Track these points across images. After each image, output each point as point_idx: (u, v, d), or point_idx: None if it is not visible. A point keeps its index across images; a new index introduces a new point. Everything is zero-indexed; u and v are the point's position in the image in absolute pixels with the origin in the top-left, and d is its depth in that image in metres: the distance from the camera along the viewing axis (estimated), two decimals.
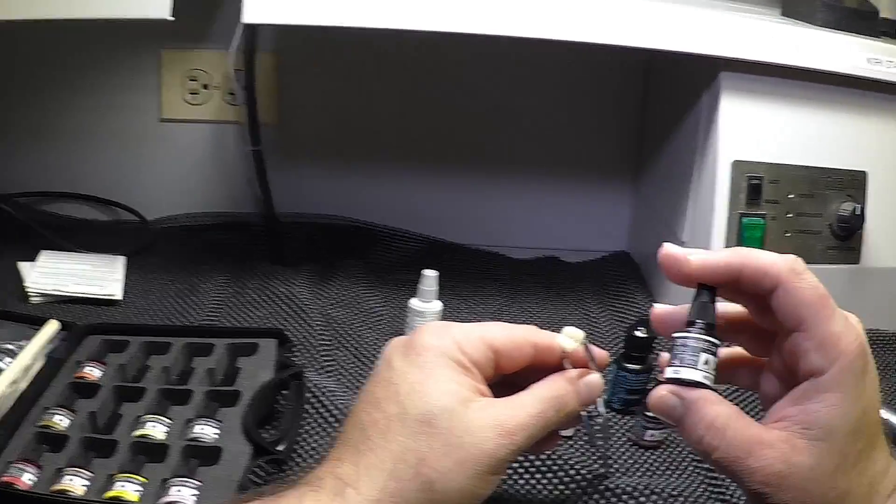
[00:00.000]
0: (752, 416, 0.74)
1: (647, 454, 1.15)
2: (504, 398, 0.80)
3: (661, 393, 0.76)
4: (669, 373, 0.76)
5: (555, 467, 1.05)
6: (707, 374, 0.75)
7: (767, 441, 0.72)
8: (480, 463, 0.75)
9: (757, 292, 0.76)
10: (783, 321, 0.74)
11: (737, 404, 0.75)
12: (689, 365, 0.75)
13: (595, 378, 0.84)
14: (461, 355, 0.80)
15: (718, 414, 0.73)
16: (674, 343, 0.77)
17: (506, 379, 0.85)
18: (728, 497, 1.04)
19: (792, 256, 0.75)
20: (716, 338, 0.76)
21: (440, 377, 0.78)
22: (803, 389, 0.72)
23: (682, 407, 0.74)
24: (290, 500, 0.74)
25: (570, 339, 0.83)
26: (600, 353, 0.86)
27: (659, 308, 0.83)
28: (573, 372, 0.84)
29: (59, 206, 1.75)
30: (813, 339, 0.71)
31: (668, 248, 0.79)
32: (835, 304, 0.73)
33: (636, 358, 1.19)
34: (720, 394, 0.75)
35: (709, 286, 0.78)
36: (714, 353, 0.75)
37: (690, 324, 0.77)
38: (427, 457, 0.75)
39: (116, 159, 1.75)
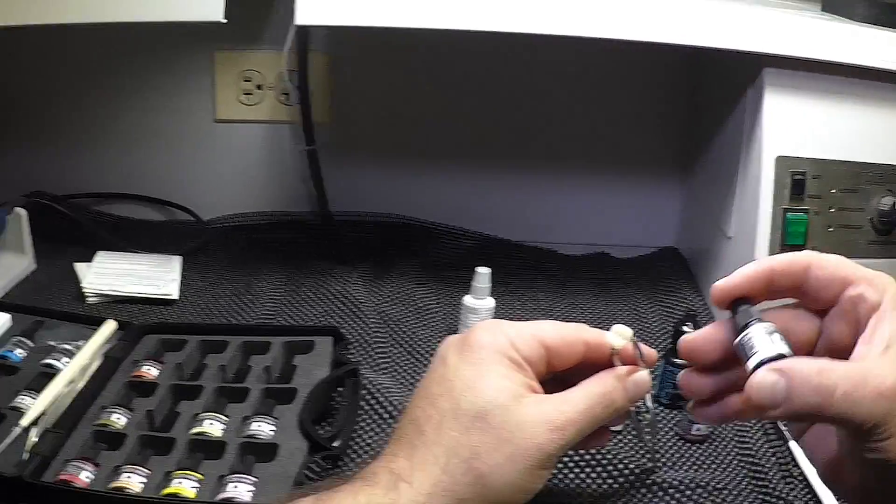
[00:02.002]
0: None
1: (693, 448, 1.15)
2: (554, 395, 0.80)
3: (756, 378, 0.71)
4: (751, 364, 0.73)
5: (604, 461, 1.06)
6: (785, 347, 0.73)
7: (872, 366, 0.71)
8: (531, 457, 0.75)
9: (790, 283, 0.77)
10: (828, 290, 0.76)
11: None
12: (763, 347, 0.73)
13: (643, 375, 0.84)
14: (514, 353, 0.81)
15: (819, 361, 0.71)
16: (737, 348, 0.75)
17: (557, 376, 0.85)
18: (771, 490, 1.05)
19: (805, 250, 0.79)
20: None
21: (494, 374, 0.79)
22: (870, 326, 0.73)
23: (784, 376, 0.70)
24: (345, 494, 0.74)
25: (618, 336, 0.83)
26: (649, 351, 0.86)
27: (687, 338, 0.81)
28: (622, 369, 0.84)
29: (115, 207, 1.76)
30: (861, 281, 0.74)
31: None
32: None
33: None
34: None
35: (743, 299, 0.78)
36: (780, 334, 0.74)
37: (744, 328, 0.75)
38: (479, 452, 0.75)
39: (171, 160, 1.76)
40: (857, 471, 0.78)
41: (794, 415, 0.71)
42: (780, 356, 0.72)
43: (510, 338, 0.82)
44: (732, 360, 0.77)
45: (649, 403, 0.89)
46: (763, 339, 0.74)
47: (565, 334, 0.84)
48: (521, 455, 0.76)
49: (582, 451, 1.06)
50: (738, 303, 0.78)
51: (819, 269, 0.76)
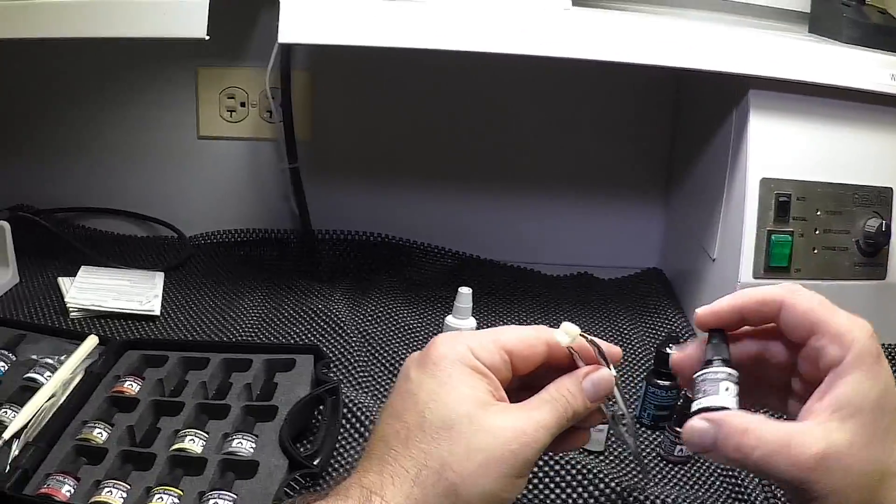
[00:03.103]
0: None
1: (676, 469, 1.16)
2: (520, 403, 0.81)
3: (690, 423, 0.77)
4: (695, 407, 0.78)
5: (584, 482, 1.06)
6: (730, 400, 0.77)
7: (802, 430, 0.74)
8: (505, 464, 0.76)
9: (762, 319, 0.81)
10: (796, 334, 0.78)
11: None
12: (711, 394, 0.77)
13: (601, 374, 0.84)
14: (476, 361, 0.81)
15: (749, 420, 0.75)
16: (696, 382, 0.80)
17: (525, 382, 0.85)
18: None
19: (787, 282, 0.80)
20: (733, 368, 0.78)
21: (457, 384, 0.79)
22: (826, 382, 0.75)
23: (714, 427, 0.75)
24: None
25: (564, 334, 0.83)
26: (610, 348, 0.86)
27: (676, 354, 0.85)
28: (581, 371, 0.84)
29: (99, 222, 1.77)
30: (826, 335, 0.76)
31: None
32: (835, 306, 0.78)
33: (666, 374, 1.20)
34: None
35: (718, 329, 0.82)
36: (734, 382, 0.78)
37: (707, 363, 0.79)
38: (450, 461, 0.75)
39: (155, 176, 1.77)
40: None
41: (722, 462, 0.77)
42: (722, 409, 0.77)
43: (470, 347, 0.82)
44: None
45: (620, 404, 0.89)
46: (714, 384, 0.78)
47: (526, 336, 0.84)
48: (494, 463, 0.76)
49: (564, 472, 1.06)
50: (715, 332, 0.82)
51: (789, 310, 0.79)
